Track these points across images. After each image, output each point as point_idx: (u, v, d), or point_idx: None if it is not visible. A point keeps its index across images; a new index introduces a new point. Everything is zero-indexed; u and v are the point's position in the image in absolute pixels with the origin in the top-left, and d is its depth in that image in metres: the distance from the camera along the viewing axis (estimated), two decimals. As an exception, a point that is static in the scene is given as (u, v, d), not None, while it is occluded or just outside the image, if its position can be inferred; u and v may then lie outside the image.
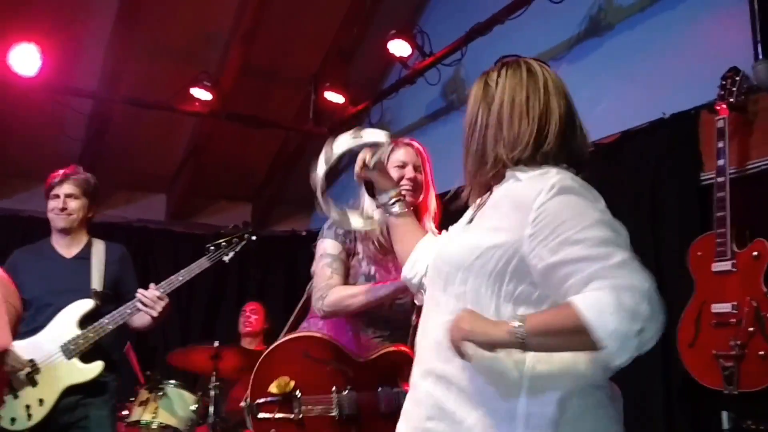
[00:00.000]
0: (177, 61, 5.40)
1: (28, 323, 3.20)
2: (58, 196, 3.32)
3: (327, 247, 2.42)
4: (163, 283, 3.17)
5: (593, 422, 1.48)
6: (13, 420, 3.07)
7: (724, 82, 3.05)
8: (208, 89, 5.18)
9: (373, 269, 2.40)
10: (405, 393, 2.12)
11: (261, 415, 2.26)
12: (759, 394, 2.77)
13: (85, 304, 3.20)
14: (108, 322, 3.14)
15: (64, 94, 5.17)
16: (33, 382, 3.09)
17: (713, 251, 2.93)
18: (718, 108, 3.04)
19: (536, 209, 1.43)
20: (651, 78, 3.75)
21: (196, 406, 3.98)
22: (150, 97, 5.30)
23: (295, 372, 2.27)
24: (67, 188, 3.33)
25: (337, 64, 5.72)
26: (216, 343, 3.93)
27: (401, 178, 2.36)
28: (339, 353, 2.30)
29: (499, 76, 1.63)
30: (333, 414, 2.25)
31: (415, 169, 2.41)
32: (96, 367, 3.12)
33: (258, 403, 2.27)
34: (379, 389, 2.27)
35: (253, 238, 3.33)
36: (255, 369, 2.33)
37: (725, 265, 2.89)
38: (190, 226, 6.42)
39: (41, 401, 3.08)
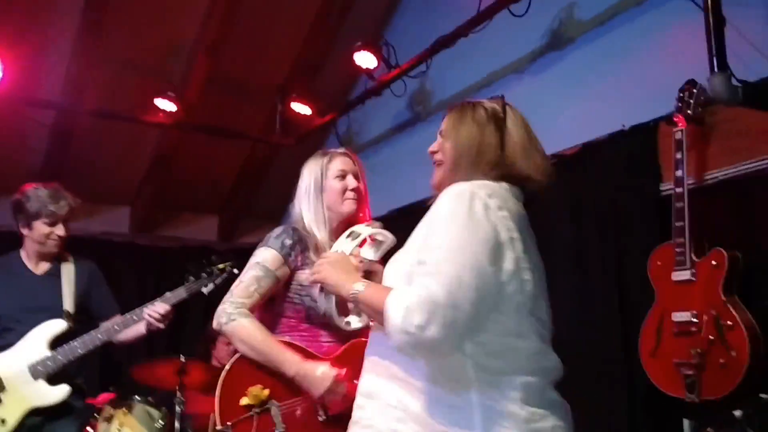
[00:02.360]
0: (141, 72, 5.34)
1: None
2: (56, 223, 3.21)
3: (267, 257, 2.27)
4: (136, 309, 3.11)
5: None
6: None
7: (681, 95, 3.10)
8: (172, 100, 5.14)
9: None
10: None
11: None
12: (720, 402, 2.81)
13: (57, 325, 3.14)
14: (78, 346, 3.10)
15: (27, 106, 5.09)
16: None
17: (673, 261, 2.97)
18: (676, 120, 3.09)
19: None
20: (611, 90, 3.81)
21: (163, 421, 3.92)
22: (114, 108, 5.24)
23: (266, 381, 2.14)
24: (67, 215, 3.24)
25: (303, 75, 5.72)
26: (182, 358, 3.89)
27: (344, 189, 2.34)
28: (307, 354, 2.20)
29: (506, 110, 1.80)
30: (319, 417, 2.15)
31: (356, 177, 2.39)
32: (61, 392, 3.08)
33: (231, 424, 2.08)
34: (356, 381, 2.16)
35: (235, 271, 3.17)
36: (219, 387, 2.13)
37: (685, 275, 2.94)
38: (155, 239, 6.36)
39: (3, 421, 3.02)
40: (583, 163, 3.82)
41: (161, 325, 3.04)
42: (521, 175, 1.71)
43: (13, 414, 3.03)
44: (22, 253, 3.31)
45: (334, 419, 2.15)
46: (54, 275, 3.28)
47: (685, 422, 3.09)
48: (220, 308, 2.25)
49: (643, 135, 3.52)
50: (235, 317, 2.20)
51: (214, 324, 2.24)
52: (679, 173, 3.02)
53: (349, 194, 2.35)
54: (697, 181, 3.21)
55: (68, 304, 3.21)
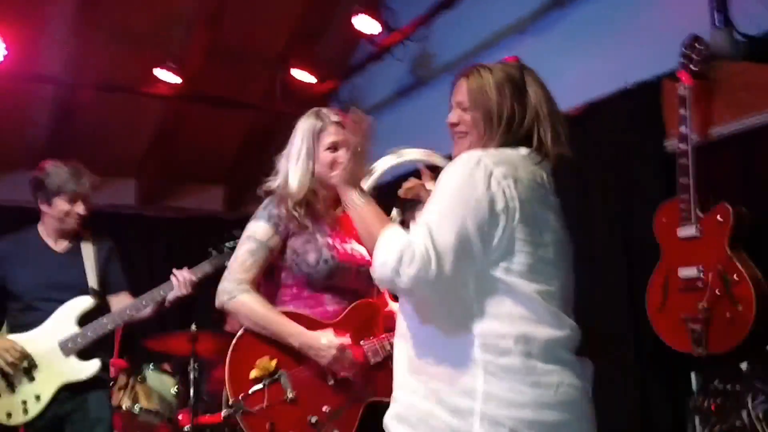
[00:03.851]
0: (142, 43, 5.31)
1: (18, 318, 3.21)
2: (76, 201, 3.22)
3: (257, 230, 2.25)
4: (163, 284, 3.11)
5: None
6: (8, 415, 3.07)
7: (685, 50, 3.09)
8: (174, 71, 5.12)
9: (327, 253, 2.24)
10: (387, 342, 2.19)
11: (250, 409, 2.08)
12: (726, 356, 2.84)
13: (85, 302, 3.19)
14: (107, 322, 3.14)
15: (29, 81, 5.08)
16: (30, 378, 3.10)
17: (678, 217, 2.99)
18: (679, 76, 3.08)
19: None
20: (614, 48, 3.78)
21: (177, 389, 3.99)
22: (116, 80, 5.23)
23: (272, 352, 2.15)
24: (87, 193, 3.25)
25: (304, 42, 5.68)
26: (193, 327, 3.93)
27: (334, 161, 2.26)
28: (310, 322, 2.19)
29: (524, 74, 1.79)
30: (328, 381, 2.16)
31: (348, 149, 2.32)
32: (93, 365, 3.13)
33: (242, 397, 2.09)
34: (362, 343, 2.20)
35: None
36: (227, 364, 2.15)
37: (690, 230, 2.95)
38: (161, 210, 6.39)
39: (38, 397, 3.09)
40: (587, 122, 3.81)
41: (184, 291, 3.03)
42: (542, 140, 1.72)
43: (47, 390, 3.09)
44: (41, 230, 3.32)
45: (343, 383, 2.17)
46: (75, 253, 3.30)
47: (693, 376, 3.12)
48: (220, 286, 2.25)
49: (646, 92, 3.51)
50: (235, 294, 2.20)
51: (217, 303, 2.24)
52: (683, 129, 3.01)
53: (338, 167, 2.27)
54: (701, 137, 3.20)
55: (92, 280, 3.25)
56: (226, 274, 2.27)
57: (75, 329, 3.14)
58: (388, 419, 1.68)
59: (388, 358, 2.05)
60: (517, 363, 1.55)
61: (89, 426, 3.13)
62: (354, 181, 1.83)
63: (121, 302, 3.29)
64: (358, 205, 1.79)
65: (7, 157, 5.71)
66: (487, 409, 1.54)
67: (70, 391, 3.12)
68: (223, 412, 2.13)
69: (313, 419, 2.10)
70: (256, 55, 5.74)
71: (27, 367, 3.09)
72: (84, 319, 3.17)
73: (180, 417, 3.98)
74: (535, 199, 1.64)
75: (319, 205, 2.31)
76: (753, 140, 3.16)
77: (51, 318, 3.16)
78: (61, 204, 3.22)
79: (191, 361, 3.88)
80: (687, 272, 2.95)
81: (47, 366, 3.11)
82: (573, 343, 1.65)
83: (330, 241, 2.28)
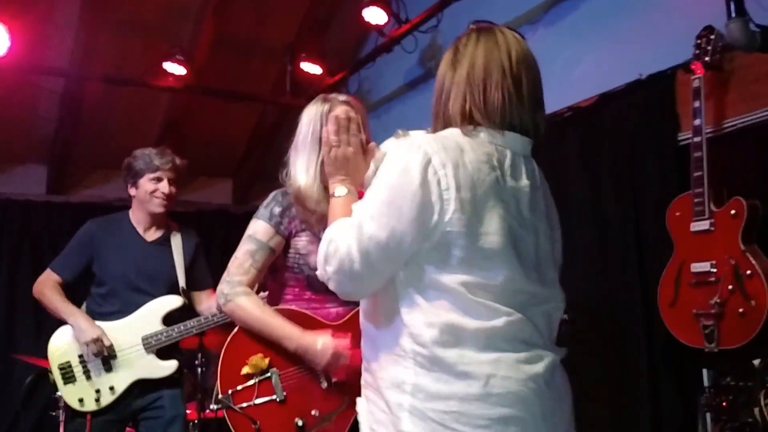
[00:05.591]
0: (149, 35, 5.31)
1: (101, 303, 3.21)
2: (161, 180, 3.24)
3: (258, 230, 2.21)
4: None
5: None
6: (81, 401, 3.09)
7: (699, 42, 3.05)
8: (181, 63, 5.11)
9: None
10: None
11: (238, 405, 2.06)
12: (738, 351, 2.81)
13: (174, 301, 3.21)
14: (193, 326, 3.16)
15: (36, 74, 5.08)
16: (108, 368, 3.12)
17: (691, 211, 2.95)
18: (693, 67, 3.04)
19: None
20: (628, 39, 3.74)
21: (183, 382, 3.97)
22: (123, 73, 5.22)
23: (266, 350, 2.13)
24: (173, 173, 3.26)
25: (312, 34, 5.65)
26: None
27: None
28: (311, 321, 2.17)
29: (468, 41, 1.65)
30: (321, 384, 2.14)
31: (358, 128, 2.19)
32: (171, 366, 3.16)
33: (231, 393, 2.08)
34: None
35: None
36: (221, 358, 2.13)
37: (703, 225, 2.92)
38: (170, 203, 6.38)
39: (112, 388, 3.11)
40: (600, 114, 3.78)
41: None
42: (472, 113, 1.59)
43: (122, 383, 3.11)
44: (132, 217, 3.32)
45: (336, 386, 2.14)
46: (164, 244, 3.31)
47: (705, 372, 3.09)
48: (218, 288, 2.22)
49: (660, 84, 3.47)
50: (231, 297, 2.17)
51: (215, 305, 2.23)
52: (697, 122, 2.97)
53: None
54: (715, 129, 3.16)
55: (181, 278, 3.26)
56: (224, 275, 2.23)
57: (160, 327, 3.15)
58: (360, 418, 1.65)
59: None
60: (444, 354, 1.49)
61: (165, 423, 3.15)
62: (334, 173, 1.79)
63: (204, 299, 3.31)
64: (334, 198, 1.75)
65: (15, 150, 5.72)
66: (415, 402, 1.49)
67: (142, 388, 3.14)
68: (211, 406, 2.12)
69: (300, 422, 2.08)
70: (265, 48, 5.72)
71: (107, 357, 3.11)
72: (169, 318, 3.18)
73: (188, 411, 3.97)
74: (479, 185, 1.53)
75: (325, 203, 2.25)
76: (767, 132, 3.11)
77: (138, 312, 3.17)
78: (146, 184, 3.24)
79: (198, 355, 3.87)
80: (700, 267, 2.91)
81: (126, 359, 3.12)
82: (514, 333, 1.53)
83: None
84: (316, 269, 1.67)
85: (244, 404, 2.07)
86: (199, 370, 3.86)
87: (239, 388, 2.09)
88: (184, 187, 6.56)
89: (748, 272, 2.77)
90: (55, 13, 4.99)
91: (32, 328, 5.34)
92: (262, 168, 6.54)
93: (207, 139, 6.14)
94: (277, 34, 5.68)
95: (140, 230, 3.30)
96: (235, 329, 2.19)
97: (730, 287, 2.81)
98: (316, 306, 2.21)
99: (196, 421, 3.77)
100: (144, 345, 3.13)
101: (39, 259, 5.35)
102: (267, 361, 2.12)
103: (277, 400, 2.10)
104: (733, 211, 2.85)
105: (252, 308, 2.15)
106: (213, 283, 3.38)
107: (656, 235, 3.24)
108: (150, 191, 3.23)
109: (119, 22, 5.14)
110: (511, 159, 1.60)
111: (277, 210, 2.22)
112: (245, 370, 2.11)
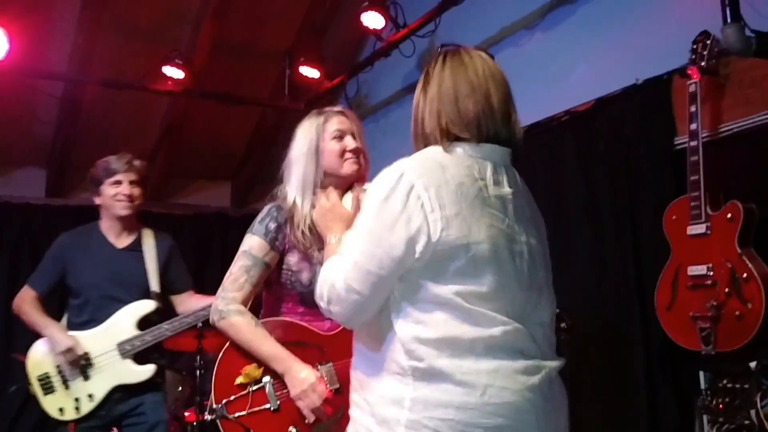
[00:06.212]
0: (148, 39, 5.32)
1: (77, 313, 3.22)
2: (120, 183, 3.25)
3: (253, 245, 2.19)
4: None
5: None
6: (61, 410, 3.12)
7: (695, 46, 3.07)
8: (180, 67, 5.12)
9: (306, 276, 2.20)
10: None
11: (230, 415, 2.05)
12: (735, 354, 2.82)
13: (147, 306, 3.22)
14: (167, 329, 3.18)
15: (35, 77, 5.09)
16: (86, 376, 3.13)
17: (688, 215, 2.96)
18: (689, 72, 3.06)
19: None
20: (624, 44, 3.76)
21: (182, 386, 3.99)
22: (122, 77, 5.23)
23: (261, 361, 2.11)
24: (132, 175, 3.27)
25: (311, 38, 5.66)
26: (200, 325, 3.92)
27: (343, 150, 2.21)
28: (306, 332, 2.17)
29: (436, 65, 1.73)
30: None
31: (353, 137, 2.25)
32: (148, 370, 3.17)
33: (225, 403, 2.06)
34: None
35: None
36: (215, 369, 2.12)
37: (700, 228, 2.93)
38: (169, 207, 6.39)
39: (91, 396, 3.12)
40: (597, 118, 3.79)
41: None
42: (448, 129, 1.65)
43: (100, 390, 3.13)
44: (101, 225, 3.33)
45: (328, 398, 2.12)
46: (135, 250, 3.31)
47: (701, 374, 3.11)
48: (213, 304, 2.20)
49: (656, 88, 3.49)
50: (225, 315, 2.15)
51: (210, 320, 2.22)
52: (693, 126, 2.99)
53: (349, 155, 2.22)
54: (711, 133, 3.18)
55: (154, 282, 3.26)
56: (219, 290, 2.21)
57: (134, 332, 3.16)
58: None
59: None
60: (442, 364, 1.51)
61: (147, 429, 3.16)
62: (323, 229, 1.95)
63: (185, 302, 3.33)
64: (328, 244, 1.89)
65: (14, 153, 5.73)
66: (411, 415, 1.51)
67: (124, 393, 3.15)
68: (205, 416, 2.12)
69: (294, 430, 2.07)
70: (264, 52, 5.74)
71: (84, 365, 3.13)
72: (144, 323, 3.19)
73: (186, 414, 3.98)
74: (464, 198, 1.57)
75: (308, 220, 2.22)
76: (763, 137, 3.14)
77: (112, 318, 3.18)
78: (107, 189, 3.25)
79: (197, 358, 3.88)
80: (696, 270, 2.93)
81: (103, 366, 3.14)
82: (512, 343, 1.56)
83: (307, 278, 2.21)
84: (307, 286, 1.70)
85: (239, 413, 2.06)
86: (198, 372, 3.87)
87: (233, 398, 2.08)
88: (182, 191, 6.63)
89: (745, 275, 2.79)
90: (55, 16, 5.01)
91: (31, 329, 5.33)
92: (261, 171, 6.56)
93: (206, 142, 6.16)
94: (276, 38, 5.70)
95: (110, 238, 3.31)
96: (229, 341, 2.17)
97: (726, 290, 2.83)
98: (310, 319, 2.20)
99: (195, 423, 3.77)
100: (119, 351, 3.14)
101: (38, 262, 5.31)
102: (261, 371, 2.11)
103: (271, 408, 2.09)
104: (729, 215, 2.87)
105: (244, 329, 2.13)
106: (192, 285, 3.42)
107: (653, 239, 3.26)
108: (112, 195, 3.24)
109: (118, 25, 5.16)
110: (492, 169, 1.65)
111: (272, 226, 2.21)
112: (239, 380, 2.10)
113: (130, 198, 3.25)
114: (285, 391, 2.10)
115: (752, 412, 2.76)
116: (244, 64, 5.75)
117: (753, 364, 2.80)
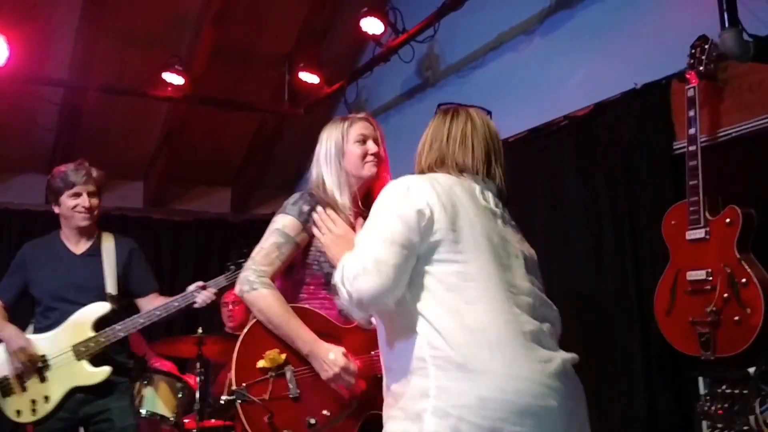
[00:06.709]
0: (148, 45, 5.33)
1: (40, 320, 3.25)
2: (80, 194, 3.27)
3: (286, 224, 2.26)
4: (178, 296, 3.25)
5: None
6: (18, 412, 3.13)
7: (693, 51, 3.07)
8: (180, 73, 5.13)
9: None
10: None
11: (251, 398, 2.05)
12: (734, 359, 2.82)
13: (102, 308, 3.22)
14: (120, 329, 3.18)
15: (35, 84, 5.09)
16: (42, 378, 3.14)
17: (687, 219, 2.96)
18: (688, 77, 3.06)
19: None
20: (622, 49, 3.76)
21: (183, 393, 3.98)
22: (122, 83, 5.25)
23: (283, 345, 2.13)
24: (90, 186, 3.29)
25: (310, 43, 5.67)
26: (200, 330, 3.93)
27: (365, 153, 2.34)
28: (325, 322, 2.20)
29: (432, 120, 1.98)
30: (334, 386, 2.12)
31: (375, 142, 2.39)
32: (102, 372, 3.16)
33: (246, 385, 2.07)
34: (373, 353, 2.14)
35: None
36: (237, 349, 2.13)
37: (699, 233, 2.93)
38: (169, 212, 6.39)
39: (47, 398, 3.13)
40: (596, 123, 3.79)
41: (202, 305, 3.24)
42: (461, 166, 1.86)
43: (56, 392, 3.13)
44: (61, 233, 3.37)
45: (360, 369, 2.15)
46: (94, 255, 3.33)
47: (701, 380, 3.10)
48: (242, 275, 2.23)
49: (655, 93, 3.49)
50: (257, 286, 2.18)
51: (236, 290, 2.23)
52: (692, 131, 2.99)
53: (370, 158, 2.34)
54: (710, 138, 3.18)
55: (110, 285, 3.28)
56: (248, 263, 2.25)
57: (89, 334, 3.16)
58: None
59: None
60: (462, 354, 1.60)
61: None
62: (335, 255, 1.96)
63: (150, 304, 3.33)
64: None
65: (14, 159, 5.74)
66: (438, 403, 1.58)
67: (87, 395, 3.15)
68: (224, 397, 2.11)
69: (312, 420, 2.08)
70: (263, 57, 5.75)
71: (40, 367, 3.13)
72: (100, 324, 3.19)
73: (186, 420, 3.97)
74: (456, 199, 1.76)
75: (348, 212, 2.31)
76: (762, 141, 3.14)
77: (68, 321, 3.19)
78: (66, 201, 3.28)
79: (197, 365, 3.88)
80: (695, 275, 2.93)
81: (59, 368, 3.14)
82: (528, 334, 1.67)
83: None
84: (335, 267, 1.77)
85: (258, 398, 2.07)
86: (198, 378, 3.87)
87: (255, 381, 2.09)
88: (182, 196, 6.63)
89: (744, 280, 2.78)
90: (54, 23, 5.02)
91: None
92: (261, 177, 6.57)
93: (205, 148, 6.16)
94: (275, 43, 5.70)
95: (69, 245, 3.34)
96: (253, 321, 2.20)
97: (725, 295, 2.82)
98: (328, 305, 2.25)
99: (194, 430, 3.76)
100: (74, 353, 3.14)
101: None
102: (284, 356, 2.12)
103: (291, 396, 2.10)
104: (728, 220, 2.87)
105: (274, 302, 2.17)
106: (157, 287, 3.44)
107: (652, 244, 3.26)
108: (71, 207, 3.27)
109: (118, 32, 5.17)
110: (479, 189, 1.85)
111: (306, 208, 2.27)
112: (261, 363, 2.10)
113: (90, 210, 3.29)
114: (305, 380, 2.12)
115: (751, 418, 2.75)
116: (244, 69, 5.76)
117: (752, 370, 2.79)
